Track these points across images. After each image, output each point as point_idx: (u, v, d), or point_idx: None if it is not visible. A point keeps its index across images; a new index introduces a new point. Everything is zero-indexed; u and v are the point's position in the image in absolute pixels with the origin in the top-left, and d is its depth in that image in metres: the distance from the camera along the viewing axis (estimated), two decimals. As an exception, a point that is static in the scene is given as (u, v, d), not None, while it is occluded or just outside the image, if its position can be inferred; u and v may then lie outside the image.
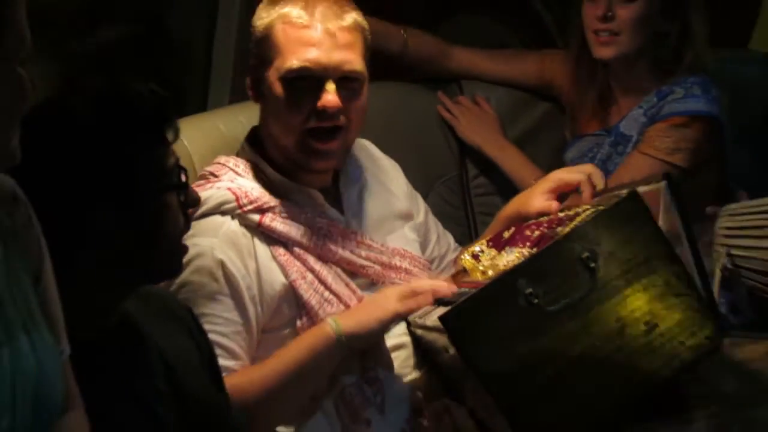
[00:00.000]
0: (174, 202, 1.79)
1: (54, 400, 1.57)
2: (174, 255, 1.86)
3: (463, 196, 3.22)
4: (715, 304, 2.36)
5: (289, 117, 2.33)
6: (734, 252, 2.68)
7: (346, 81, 2.34)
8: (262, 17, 2.39)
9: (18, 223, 1.58)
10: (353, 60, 2.35)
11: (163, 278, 1.97)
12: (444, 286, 2.18)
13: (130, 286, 1.86)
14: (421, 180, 2.83)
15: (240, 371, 2.23)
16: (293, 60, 2.30)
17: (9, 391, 1.47)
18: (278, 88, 2.33)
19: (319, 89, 2.30)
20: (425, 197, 2.84)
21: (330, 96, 2.30)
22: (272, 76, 2.34)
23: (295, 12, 2.32)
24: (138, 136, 1.75)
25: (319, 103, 2.30)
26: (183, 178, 1.80)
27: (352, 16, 2.37)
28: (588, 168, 2.49)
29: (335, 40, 2.32)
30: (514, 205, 2.53)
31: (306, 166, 2.38)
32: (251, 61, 2.43)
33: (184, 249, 1.86)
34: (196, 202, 1.86)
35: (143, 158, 1.76)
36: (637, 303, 2.09)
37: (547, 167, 2.95)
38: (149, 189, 1.76)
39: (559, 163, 3.00)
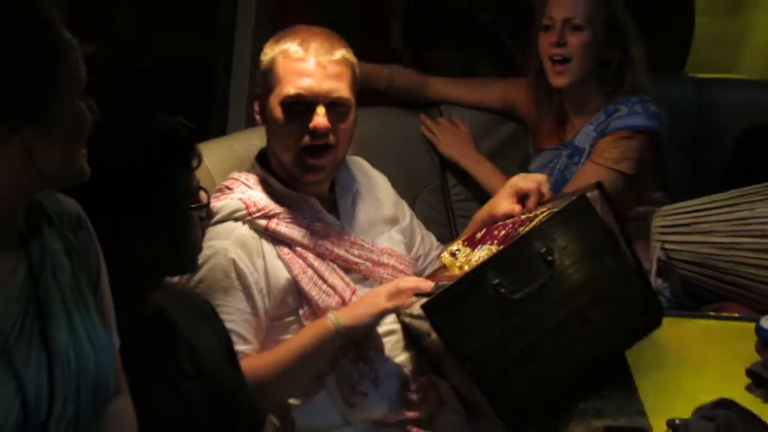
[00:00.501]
0: (196, 217, 1.87)
1: (108, 388, 1.61)
2: (193, 256, 1.93)
3: (444, 202, 3.23)
4: (653, 289, 2.37)
5: (287, 136, 2.38)
6: (667, 246, 2.69)
7: (334, 106, 2.37)
8: (267, 53, 2.44)
9: (81, 241, 1.65)
10: (341, 88, 2.38)
11: (183, 273, 2.08)
12: (425, 283, 2.19)
13: (158, 280, 1.93)
14: (408, 189, 2.84)
15: (255, 355, 2.27)
16: (290, 87, 2.35)
17: (74, 385, 1.51)
18: (278, 112, 2.37)
19: (312, 112, 2.35)
20: (412, 204, 2.86)
21: (320, 118, 2.34)
22: (273, 101, 2.38)
23: (293, 47, 2.37)
24: (170, 165, 1.84)
25: (311, 124, 2.34)
26: (204, 197, 1.88)
27: (341, 52, 2.41)
28: (539, 177, 2.51)
29: (326, 72, 2.36)
30: (486, 209, 2.55)
31: (301, 178, 2.41)
32: (258, 89, 2.48)
33: (200, 250, 1.95)
34: (211, 216, 2.01)
35: (174, 183, 1.84)
36: (588, 289, 2.09)
37: (513, 175, 2.94)
38: (178, 207, 1.84)
39: (524, 173, 3.00)
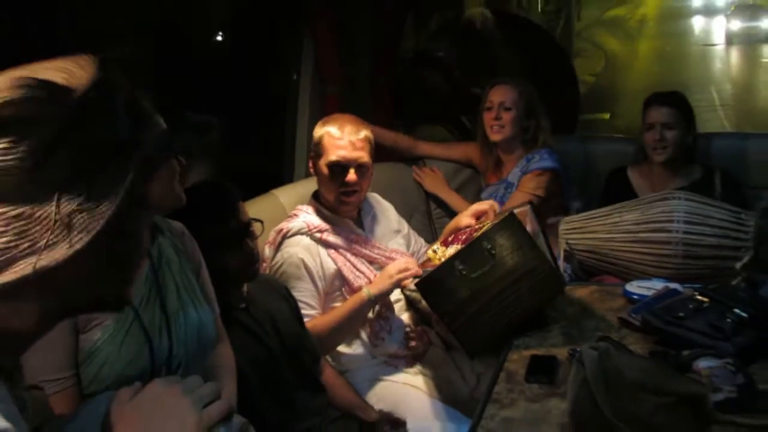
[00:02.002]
0: (251, 248, 1.91)
1: (208, 338, 1.63)
2: (253, 266, 1.96)
3: (428, 219, 3.24)
4: (559, 269, 2.38)
5: (331, 185, 2.39)
6: (569, 241, 2.69)
7: (360, 167, 2.38)
8: (317, 132, 2.44)
9: (187, 246, 1.65)
10: (363, 156, 2.39)
11: (248, 280, 2.00)
12: (414, 268, 2.21)
13: (236, 281, 1.95)
14: (405, 212, 2.84)
15: (317, 317, 2.28)
16: (333, 156, 2.35)
17: (183, 335, 1.52)
18: (325, 170, 2.38)
19: (346, 172, 2.36)
20: (409, 221, 2.85)
21: (351, 176, 2.37)
22: (322, 163, 2.38)
23: (333, 130, 2.38)
24: (227, 217, 1.88)
25: (346, 179, 2.36)
26: (257, 227, 1.95)
27: (364, 132, 2.41)
28: (490, 202, 2.50)
29: (354, 146, 2.37)
30: (454, 222, 2.53)
31: (339, 209, 2.43)
32: (312, 153, 2.47)
33: (256, 257, 1.96)
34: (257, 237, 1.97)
35: (233, 224, 1.87)
36: (517, 270, 2.09)
37: (472, 202, 2.96)
38: (238, 237, 1.88)
39: (478, 200, 3.00)
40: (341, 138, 2.38)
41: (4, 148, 0.69)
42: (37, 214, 0.70)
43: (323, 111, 3.09)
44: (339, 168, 2.37)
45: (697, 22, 22.89)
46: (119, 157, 0.75)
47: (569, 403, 1.59)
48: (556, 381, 1.80)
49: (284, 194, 2.73)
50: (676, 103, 2.90)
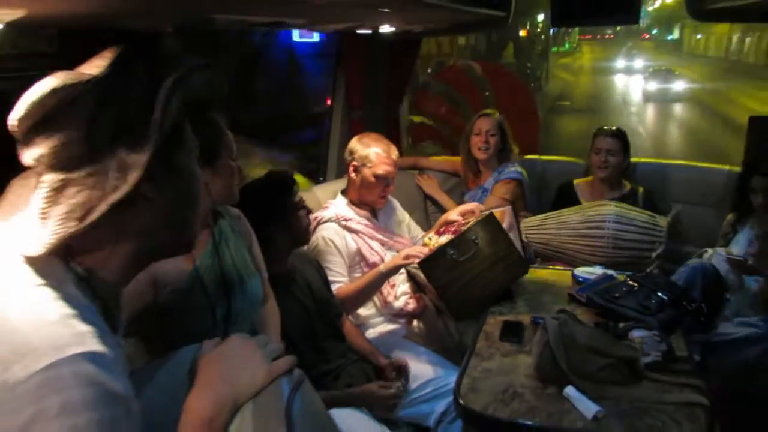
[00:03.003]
0: (302, 215, 1.83)
1: (258, 297, 1.58)
2: (305, 235, 1.91)
3: (425, 214, 3.15)
4: (525, 255, 2.32)
5: (374, 190, 2.34)
6: (528, 236, 2.64)
7: (393, 179, 2.35)
8: (365, 148, 2.34)
9: (242, 226, 1.63)
10: (395, 171, 2.36)
11: (301, 245, 1.97)
12: (416, 254, 2.09)
13: (290, 250, 1.88)
14: (408, 208, 2.74)
15: (344, 285, 2.18)
16: (381, 171, 2.31)
17: (239, 296, 1.51)
18: (372, 179, 2.31)
19: (387, 183, 2.34)
20: (410, 215, 2.74)
21: (390, 186, 2.36)
22: (370, 172, 2.31)
23: (381, 150, 2.32)
24: (287, 195, 1.80)
25: (388, 189, 2.37)
26: (303, 204, 1.87)
27: (395, 152, 2.36)
28: (475, 204, 2.46)
29: (394, 164, 2.34)
30: (444, 217, 2.47)
31: (376, 204, 2.40)
32: (356, 163, 2.35)
33: (308, 231, 1.96)
34: (308, 213, 1.90)
35: (288, 203, 1.80)
36: (495, 256, 2.04)
37: (459, 203, 2.91)
38: (293, 213, 1.82)
39: (462, 202, 2.94)
40: (387, 157, 2.32)
41: (60, 127, 0.68)
42: (101, 169, 0.68)
43: (350, 131, 3.03)
44: (383, 179, 2.32)
45: (619, 80, 23.31)
46: (146, 111, 0.70)
47: (534, 359, 1.55)
48: (522, 341, 1.76)
49: (320, 190, 2.66)
50: (618, 135, 2.85)
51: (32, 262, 0.67)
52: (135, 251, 0.74)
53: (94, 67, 0.72)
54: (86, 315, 0.65)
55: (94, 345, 0.62)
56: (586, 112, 15.11)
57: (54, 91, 0.67)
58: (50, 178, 0.68)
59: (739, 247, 2.34)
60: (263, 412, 0.73)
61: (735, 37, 30.99)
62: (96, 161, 0.68)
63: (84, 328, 0.63)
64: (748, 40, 29.20)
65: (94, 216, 0.67)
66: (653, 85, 18.86)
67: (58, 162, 0.68)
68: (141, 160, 0.68)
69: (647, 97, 18.59)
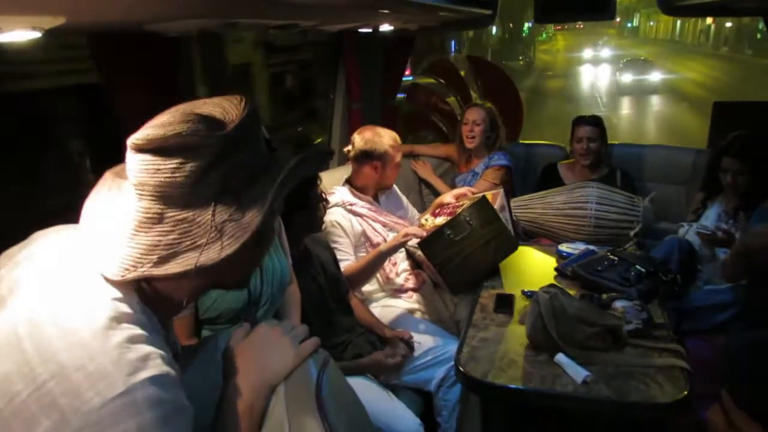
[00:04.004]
0: (320, 206, 1.80)
1: (285, 280, 1.55)
2: (320, 222, 1.86)
3: (420, 197, 3.11)
4: (514, 234, 2.30)
5: (394, 174, 2.37)
6: (517, 213, 2.62)
7: None
8: (383, 144, 2.30)
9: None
10: None
11: (316, 231, 1.93)
12: (418, 231, 2.08)
13: (306, 234, 1.84)
14: (405, 191, 2.72)
15: (351, 263, 2.14)
16: (399, 158, 2.34)
17: (270, 279, 1.47)
18: (394, 170, 2.34)
19: (397, 170, 2.35)
20: (407, 198, 2.71)
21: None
22: (382, 159, 2.29)
23: (393, 142, 2.31)
24: (312, 187, 1.75)
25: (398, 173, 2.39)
26: (324, 196, 1.82)
27: (398, 138, 2.35)
28: (466, 188, 2.44)
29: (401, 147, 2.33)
30: (438, 199, 2.46)
31: (371, 190, 2.35)
32: (375, 156, 2.30)
33: (323, 220, 1.88)
34: (326, 205, 1.88)
35: (312, 193, 1.74)
36: (487, 235, 2.02)
37: (451, 186, 2.88)
38: (315, 202, 1.76)
39: (453, 186, 2.91)
40: (398, 146, 2.32)
41: (173, 168, 0.65)
42: (197, 219, 0.66)
43: (349, 121, 2.98)
44: (399, 165, 2.35)
45: (587, 70, 23.60)
46: (263, 179, 0.68)
47: (527, 329, 1.54)
48: (514, 312, 1.75)
49: (325, 177, 2.60)
50: (596, 123, 2.82)
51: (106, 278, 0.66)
52: (202, 286, 0.74)
53: (221, 110, 0.68)
54: (152, 336, 0.65)
55: (160, 368, 0.62)
56: (561, 77, 22.48)
57: (179, 135, 0.64)
58: (148, 207, 0.66)
59: (708, 222, 2.33)
60: (295, 393, 0.72)
61: (678, 24, 36.97)
62: (195, 209, 0.66)
63: (149, 350, 0.63)
64: (685, 25, 35.59)
65: (175, 268, 0.65)
66: (628, 77, 17.37)
67: (159, 195, 0.65)
68: (240, 236, 0.66)
69: (622, 91, 17.01)
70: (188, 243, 0.65)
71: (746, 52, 23.96)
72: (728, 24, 26.49)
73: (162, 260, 0.65)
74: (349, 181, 2.39)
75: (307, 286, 1.78)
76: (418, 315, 2.25)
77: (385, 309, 2.24)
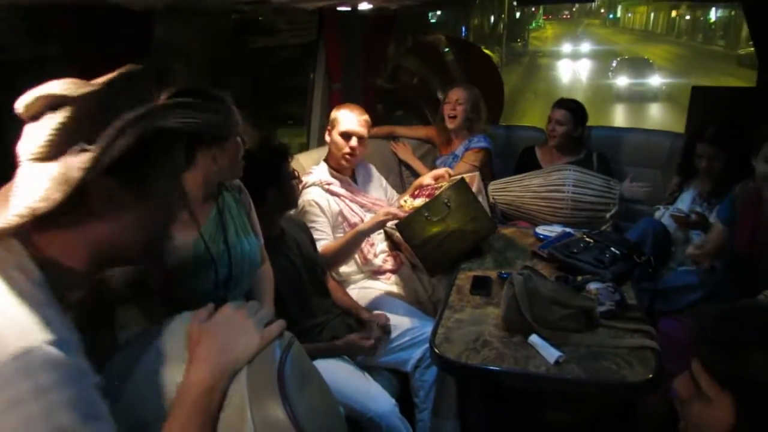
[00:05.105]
0: (294, 184, 1.75)
1: (256, 261, 1.53)
2: (295, 200, 1.85)
3: (400, 178, 3.08)
4: (490, 215, 2.29)
5: (339, 149, 2.25)
6: (494, 196, 2.61)
7: (360, 139, 2.25)
8: (335, 113, 2.29)
9: (242, 196, 1.56)
10: (363, 132, 2.26)
11: (290, 209, 1.90)
12: (397, 212, 2.04)
13: (281, 214, 1.81)
14: (384, 172, 2.69)
15: (328, 243, 2.11)
16: (343, 128, 2.24)
17: (239, 260, 1.46)
18: (338, 138, 2.25)
19: (350, 140, 2.23)
20: (387, 179, 2.68)
21: (354, 143, 2.23)
22: (336, 132, 2.25)
23: (346, 112, 2.27)
24: (282, 163, 1.70)
25: (350, 145, 2.23)
26: (296, 174, 1.78)
27: (365, 117, 2.27)
28: (446, 169, 2.42)
29: (359, 123, 2.25)
30: (418, 181, 2.44)
31: (342, 165, 2.29)
32: (329, 127, 2.30)
33: (298, 198, 1.89)
34: (300, 182, 1.89)
35: (283, 171, 1.70)
36: (465, 217, 2.01)
37: (431, 168, 2.85)
38: (287, 180, 1.72)
39: (434, 167, 2.88)
40: (351, 117, 2.25)
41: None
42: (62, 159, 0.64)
43: (330, 101, 2.94)
44: (347, 136, 2.24)
45: (564, 64, 24.08)
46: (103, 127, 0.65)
47: (502, 311, 1.54)
48: (491, 294, 1.74)
49: (304, 158, 2.57)
50: (570, 107, 2.81)
51: None
52: (96, 253, 0.70)
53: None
54: (48, 301, 0.63)
55: (57, 332, 0.61)
56: (549, 57, 27.40)
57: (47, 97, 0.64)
58: (24, 166, 0.65)
59: (683, 205, 2.35)
60: (257, 375, 0.71)
61: (653, 15, 42.30)
62: (60, 155, 0.63)
63: (47, 313, 0.61)
64: (657, 17, 40.80)
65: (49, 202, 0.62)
66: (623, 81, 14.53)
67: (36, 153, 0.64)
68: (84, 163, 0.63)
69: (617, 97, 14.25)
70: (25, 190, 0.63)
71: (698, 39, 31.26)
72: (687, 17, 34.30)
73: (43, 199, 0.63)
74: (326, 161, 2.36)
75: (284, 268, 1.75)
76: (396, 296, 2.24)
77: (364, 291, 2.23)
